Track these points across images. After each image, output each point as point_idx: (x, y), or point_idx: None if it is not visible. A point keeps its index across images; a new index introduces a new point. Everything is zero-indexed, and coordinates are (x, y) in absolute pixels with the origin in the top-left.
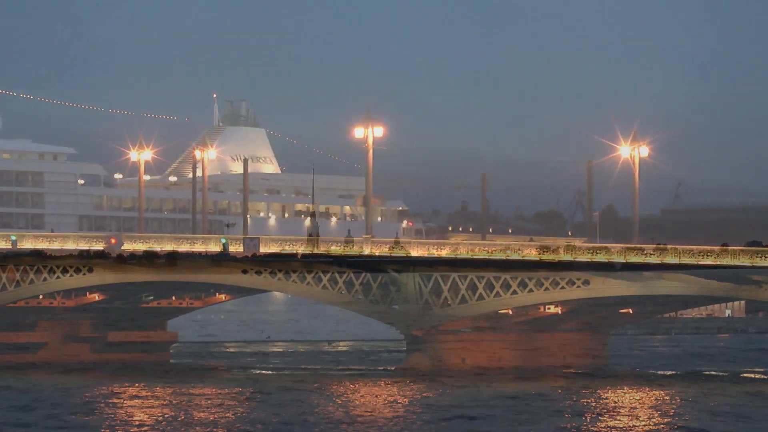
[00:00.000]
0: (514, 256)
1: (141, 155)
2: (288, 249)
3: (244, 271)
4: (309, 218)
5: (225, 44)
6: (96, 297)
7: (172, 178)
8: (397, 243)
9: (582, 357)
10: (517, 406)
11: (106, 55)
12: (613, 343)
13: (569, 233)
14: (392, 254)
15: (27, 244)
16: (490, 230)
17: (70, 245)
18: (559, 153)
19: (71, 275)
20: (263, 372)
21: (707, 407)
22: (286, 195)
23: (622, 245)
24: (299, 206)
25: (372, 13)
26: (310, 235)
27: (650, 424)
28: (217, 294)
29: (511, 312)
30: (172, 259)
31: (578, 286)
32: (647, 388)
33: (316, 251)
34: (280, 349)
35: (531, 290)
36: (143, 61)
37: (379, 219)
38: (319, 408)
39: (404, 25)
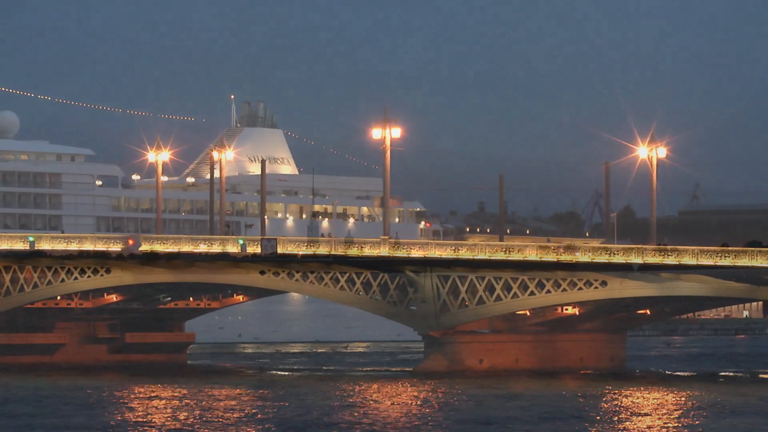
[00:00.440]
0: (532, 257)
1: (158, 156)
2: (305, 250)
3: (262, 272)
4: (326, 219)
5: (242, 45)
6: (113, 298)
7: (190, 179)
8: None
9: (599, 358)
10: (534, 407)
11: (124, 57)
12: (630, 344)
13: (587, 234)
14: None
15: (44, 246)
16: (508, 231)
17: (88, 246)
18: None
19: (89, 276)
20: (281, 373)
21: (725, 408)
22: (304, 196)
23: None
24: (317, 207)
25: (390, 14)
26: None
27: (668, 425)
28: (234, 295)
29: (528, 313)
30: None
31: (596, 287)
32: (664, 389)
33: (333, 252)
34: (298, 350)
35: (548, 291)
36: (161, 63)
37: (397, 220)
38: (337, 409)
39: (422, 25)
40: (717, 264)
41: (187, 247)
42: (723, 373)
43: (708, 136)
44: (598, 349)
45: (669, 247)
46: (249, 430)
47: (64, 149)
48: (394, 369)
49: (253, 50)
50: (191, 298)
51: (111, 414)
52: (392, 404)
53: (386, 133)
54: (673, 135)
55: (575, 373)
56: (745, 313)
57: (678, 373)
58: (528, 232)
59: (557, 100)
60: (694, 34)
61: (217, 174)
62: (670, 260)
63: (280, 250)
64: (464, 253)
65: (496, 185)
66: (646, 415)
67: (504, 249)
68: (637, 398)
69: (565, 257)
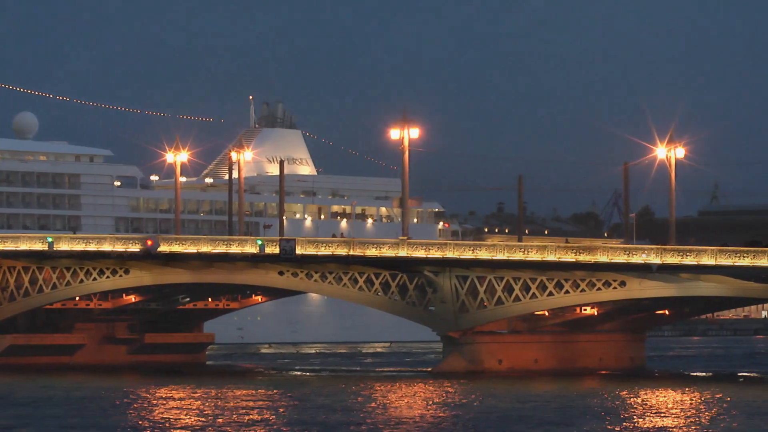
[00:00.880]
0: (551, 257)
1: (177, 157)
2: (324, 251)
3: (281, 273)
4: (345, 220)
5: (261, 46)
6: (132, 299)
7: (209, 180)
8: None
9: (618, 358)
10: (553, 407)
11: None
12: (649, 344)
13: (605, 234)
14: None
15: (63, 246)
16: (527, 232)
17: (107, 247)
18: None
19: (108, 277)
20: (299, 374)
21: (744, 409)
22: (323, 197)
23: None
24: (335, 208)
25: (408, 15)
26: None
27: (687, 426)
28: (253, 295)
29: (547, 313)
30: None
31: (615, 288)
32: (684, 390)
33: (352, 253)
34: (317, 351)
35: (567, 291)
36: (180, 63)
37: (416, 220)
38: (356, 409)
39: (439, 26)
40: (736, 264)
41: (205, 248)
42: (742, 374)
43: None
44: (617, 350)
45: (688, 247)
46: (268, 430)
47: (83, 150)
48: (412, 370)
49: (272, 51)
50: (210, 299)
51: (130, 414)
52: (411, 405)
53: (405, 134)
54: (692, 135)
55: (594, 373)
56: (764, 314)
57: (697, 374)
58: (547, 232)
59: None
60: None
61: (235, 174)
62: (689, 260)
63: (298, 251)
64: (483, 254)
65: (515, 186)
66: (666, 415)
67: (523, 249)
68: (657, 398)
69: (584, 257)
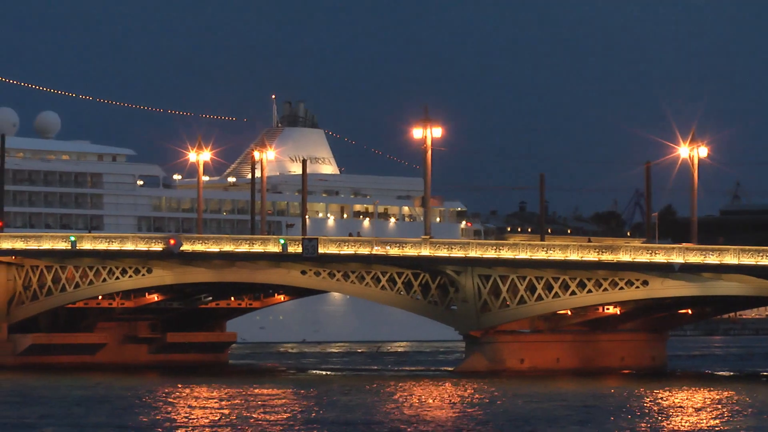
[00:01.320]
0: (573, 257)
1: (199, 156)
2: (346, 250)
3: (303, 272)
4: (367, 219)
5: (283, 45)
6: (155, 298)
7: (231, 179)
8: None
9: (640, 358)
10: (575, 406)
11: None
12: (671, 343)
13: (627, 234)
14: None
15: (86, 245)
16: (549, 231)
17: (129, 246)
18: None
19: (130, 276)
20: (322, 373)
21: (766, 408)
22: (345, 196)
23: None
24: (358, 207)
25: (430, 13)
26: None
27: (709, 426)
28: (275, 295)
29: (569, 312)
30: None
31: (637, 287)
32: (706, 389)
33: (374, 252)
34: (339, 350)
35: (589, 291)
36: (202, 63)
37: (438, 220)
38: (378, 409)
39: (462, 25)
40: (759, 263)
41: (228, 247)
42: (765, 373)
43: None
44: (639, 349)
45: (710, 246)
46: (291, 429)
47: (106, 149)
48: (434, 369)
49: (294, 50)
50: (232, 298)
51: (152, 413)
52: (433, 404)
53: (427, 133)
54: (714, 134)
55: (616, 373)
56: None
57: (719, 373)
58: (569, 231)
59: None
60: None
61: (258, 174)
62: (712, 260)
63: (321, 250)
64: (505, 253)
65: (537, 185)
66: (688, 414)
67: (545, 248)
68: (679, 398)
69: (607, 257)
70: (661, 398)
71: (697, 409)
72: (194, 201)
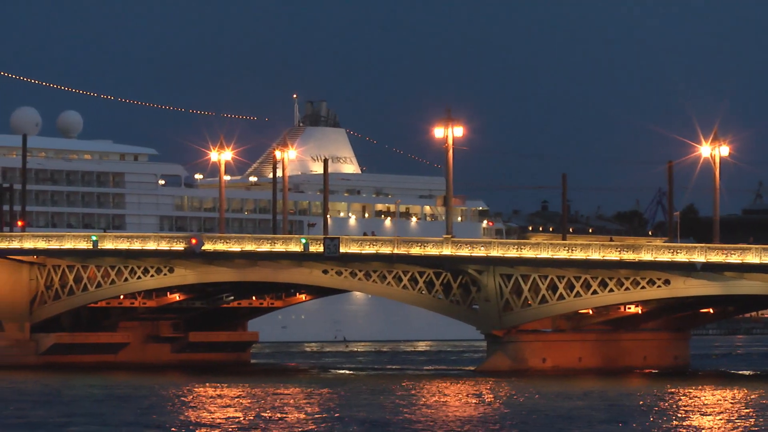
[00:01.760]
0: (595, 256)
1: (221, 155)
2: (368, 249)
3: (325, 271)
4: (389, 218)
5: (305, 45)
6: (177, 297)
7: (253, 179)
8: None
9: (663, 357)
10: (598, 406)
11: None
12: (693, 343)
13: (650, 233)
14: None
15: (108, 245)
16: (571, 230)
17: (151, 246)
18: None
19: (152, 276)
20: (344, 372)
21: None
22: (367, 195)
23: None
24: (379, 206)
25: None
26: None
27: (732, 425)
28: (297, 294)
29: (591, 312)
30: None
31: (659, 286)
32: (728, 388)
33: (396, 251)
34: (361, 350)
35: (611, 290)
36: (223, 62)
37: (460, 219)
38: (401, 408)
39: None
40: None
41: (250, 246)
42: None
43: None
44: (662, 348)
45: (732, 245)
46: (313, 428)
47: (128, 149)
48: (457, 368)
49: (316, 49)
50: (254, 297)
51: (175, 413)
52: (456, 403)
53: (449, 132)
54: (736, 133)
55: (638, 372)
56: None
57: (742, 372)
58: (591, 231)
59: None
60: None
61: (279, 173)
62: (734, 259)
63: (342, 249)
64: (527, 252)
65: (559, 184)
66: (710, 414)
67: (567, 248)
68: (701, 397)
69: (629, 256)
70: (685, 397)
71: (721, 409)
72: (216, 200)
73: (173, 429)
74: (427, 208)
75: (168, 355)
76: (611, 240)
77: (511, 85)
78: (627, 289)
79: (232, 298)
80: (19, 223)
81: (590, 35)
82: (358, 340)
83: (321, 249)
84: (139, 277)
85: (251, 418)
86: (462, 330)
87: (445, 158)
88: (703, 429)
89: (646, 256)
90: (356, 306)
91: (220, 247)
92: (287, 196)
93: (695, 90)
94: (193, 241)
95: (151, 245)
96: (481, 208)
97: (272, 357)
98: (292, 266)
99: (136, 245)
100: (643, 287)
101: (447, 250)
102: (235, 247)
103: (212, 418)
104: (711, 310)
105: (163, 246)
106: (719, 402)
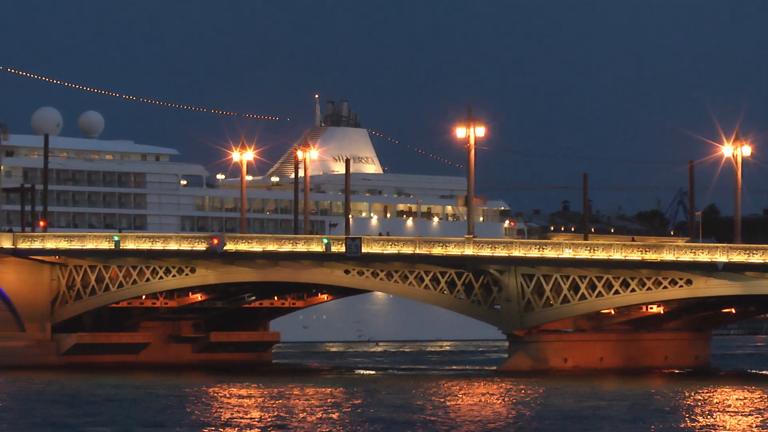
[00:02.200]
0: (616, 256)
1: (243, 156)
2: (390, 249)
3: (346, 271)
4: (410, 218)
5: (326, 45)
6: (198, 297)
7: (274, 179)
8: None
9: (684, 357)
10: (620, 406)
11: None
12: (714, 342)
13: (671, 233)
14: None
15: (129, 245)
16: (592, 230)
17: (172, 246)
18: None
19: (173, 276)
20: (366, 372)
21: None
22: (388, 195)
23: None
24: (401, 206)
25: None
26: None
27: (754, 425)
28: (319, 294)
29: (612, 312)
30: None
31: (680, 286)
32: (750, 388)
33: (417, 251)
34: (383, 350)
35: (633, 290)
36: (245, 62)
37: (481, 219)
38: (423, 408)
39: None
40: None
41: (271, 246)
42: None
43: None
44: (683, 348)
45: (754, 245)
46: (335, 428)
47: (149, 149)
48: (478, 368)
49: (337, 49)
50: (276, 297)
51: (197, 413)
52: (477, 403)
53: (470, 132)
54: (758, 133)
55: (660, 372)
56: None
57: (763, 372)
58: (612, 231)
59: (642, 98)
60: None
61: (301, 173)
62: (756, 259)
63: (364, 249)
64: (549, 252)
65: (580, 184)
66: (732, 413)
67: (588, 248)
68: (723, 397)
69: (650, 256)
70: (707, 397)
71: (744, 408)
72: (237, 200)
73: (195, 429)
74: (449, 208)
75: (189, 355)
76: (633, 240)
77: (532, 85)
78: (648, 289)
79: (254, 298)
80: (41, 224)
81: (612, 36)
82: (380, 340)
83: (342, 249)
84: (160, 278)
85: (273, 418)
86: (483, 330)
87: (466, 158)
88: (726, 429)
89: (667, 256)
90: (377, 306)
91: (242, 247)
92: (309, 196)
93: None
94: (215, 241)
95: (172, 245)
96: (502, 208)
97: (294, 357)
98: (313, 266)
99: (158, 245)
100: (664, 287)
101: (468, 250)
102: (257, 248)
103: (234, 418)
104: (732, 310)
105: (185, 246)
106: (742, 402)
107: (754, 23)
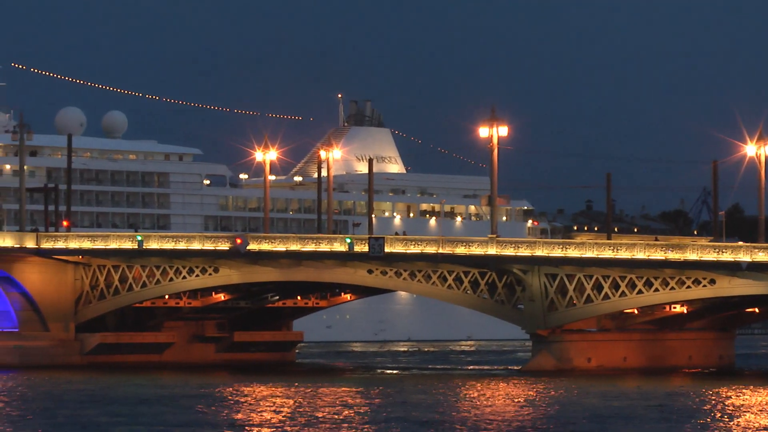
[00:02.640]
0: (640, 255)
1: (266, 155)
2: (413, 249)
3: (369, 271)
4: (434, 218)
5: (350, 45)
6: (222, 297)
7: (297, 179)
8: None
9: (708, 357)
10: (645, 405)
11: (231, 56)
12: (738, 342)
13: (695, 232)
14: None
15: (153, 245)
16: (616, 230)
17: (196, 245)
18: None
19: (197, 275)
20: (389, 372)
21: None
22: (411, 195)
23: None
24: (424, 206)
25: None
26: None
27: None
28: (342, 294)
29: (636, 311)
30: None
31: (704, 286)
32: None
33: (440, 251)
34: (406, 349)
35: (657, 289)
36: (268, 62)
37: (504, 218)
38: (447, 408)
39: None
40: None
41: (294, 246)
42: None
43: None
44: (707, 348)
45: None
46: (361, 428)
47: (172, 149)
48: (502, 368)
49: (360, 49)
50: (299, 297)
51: (221, 413)
52: (501, 402)
53: (493, 132)
54: None
55: (683, 371)
56: None
57: None
58: (636, 230)
59: (665, 97)
60: None
61: (324, 173)
62: None
63: (387, 249)
64: (572, 252)
65: (603, 183)
66: (758, 413)
67: (612, 247)
68: (747, 397)
69: (674, 255)
70: (732, 397)
71: (765, 408)
72: (261, 200)
73: (223, 429)
74: (472, 207)
75: (213, 354)
76: (656, 239)
77: (556, 84)
78: (672, 288)
79: (277, 297)
80: (65, 224)
81: (635, 35)
82: (403, 340)
83: (366, 249)
84: (184, 277)
85: (297, 417)
86: (506, 330)
87: (489, 158)
88: (753, 429)
89: (691, 256)
90: (401, 306)
91: (265, 246)
92: (332, 196)
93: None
94: (238, 240)
95: (196, 245)
96: (525, 207)
97: (317, 357)
98: (336, 266)
99: (181, 245)
100: (688, 287)
101: (492, 250)
102: (280, 247)
103: (258, 418)
104: (756, 310)
105: (208, 246)
106: (764, 401)
107: None
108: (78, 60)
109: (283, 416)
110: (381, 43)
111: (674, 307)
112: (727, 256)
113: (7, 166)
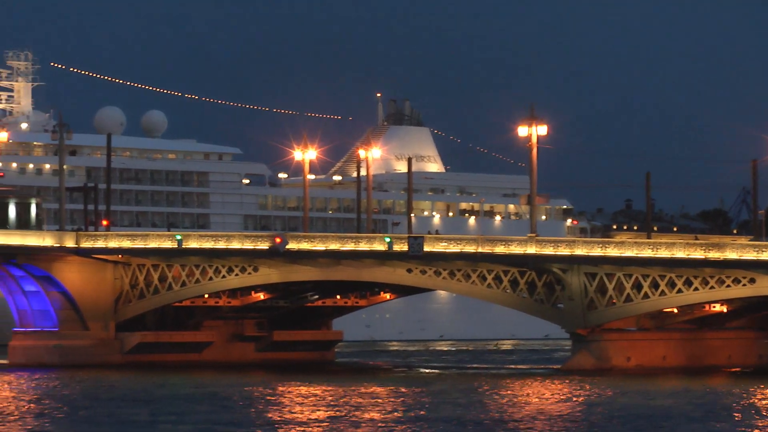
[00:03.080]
0: (680, 254)
1: (305, 155)
2: (452, 248)
3: (409, 270)
4: (473, 217)
5: (389, 44)
6: (261, 296)
7: (337, 178)
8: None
9: (747, 356)
10: (685, 404)
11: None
12: None
13: (734, 231)
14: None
15: (192, 244)
16: (655, 229)
17: (235, 245)
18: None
19: (236, 275)
20: (428, 371)
21: None
22: (450, 194)
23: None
24: (463, 205)
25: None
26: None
27: None
28: (381, 293)
29: (675, 310)
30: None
31: (744, 285)
32: None
33: (480, 250)
34: (445, 349)
35: (696, 288)
36: (307, 62)
37: (544, 218)
38: (486, 407)
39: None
40: None
41: (333, 246)
42: None
43: None
44: (746, 348)
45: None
46: (402, 427)
47: (212, 148)
48: (541, 367)
49: (399, 48)
50: (338, 296)
51: (261, 411)
52: (541, 402)
53: (533, 131)
54: None
55: (723, 371)
56: None
57: None
58: (675, 229)
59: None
60: None
61: (363, 172)
62: None
63: (427, 248)
64: (612, 251)
65: (642, 183)
66: None
67: (651, 246)
68: None
69: (713, 254)
70: None
71: None
72: (300, 199)
73: (260, 427)
74: (511, 206)
75: (252, 354)
76: (696, 239)
77: (595, 83)
78: (712, 287)
79: (317, 297)
80: (104, 223)
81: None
82: (441, 339)
83: (405, 248)
84: (223, 276)
85: (337, 416)
86: (545, 328)
87: (528, 157)
88: None
89: (731, 255)
90: (440, 305)
91: (304, 246)
92: (371, 195)
93: None
94: (278, 240)
95: (235, 244)
96: (565, 206)
97: (357, 356)
98: (375, 265)
99: (221, 244)
100: (728, 286)
101: (531, 249)
102: (319, 246)
103: (298, 417)
104: None
105: (248, 245)
106: None
107: None
108: (117, 60)
109: (322, 415)
110: (420, 43)
111: (714, 307)
112: (766, 255)
113: (47, 166)
